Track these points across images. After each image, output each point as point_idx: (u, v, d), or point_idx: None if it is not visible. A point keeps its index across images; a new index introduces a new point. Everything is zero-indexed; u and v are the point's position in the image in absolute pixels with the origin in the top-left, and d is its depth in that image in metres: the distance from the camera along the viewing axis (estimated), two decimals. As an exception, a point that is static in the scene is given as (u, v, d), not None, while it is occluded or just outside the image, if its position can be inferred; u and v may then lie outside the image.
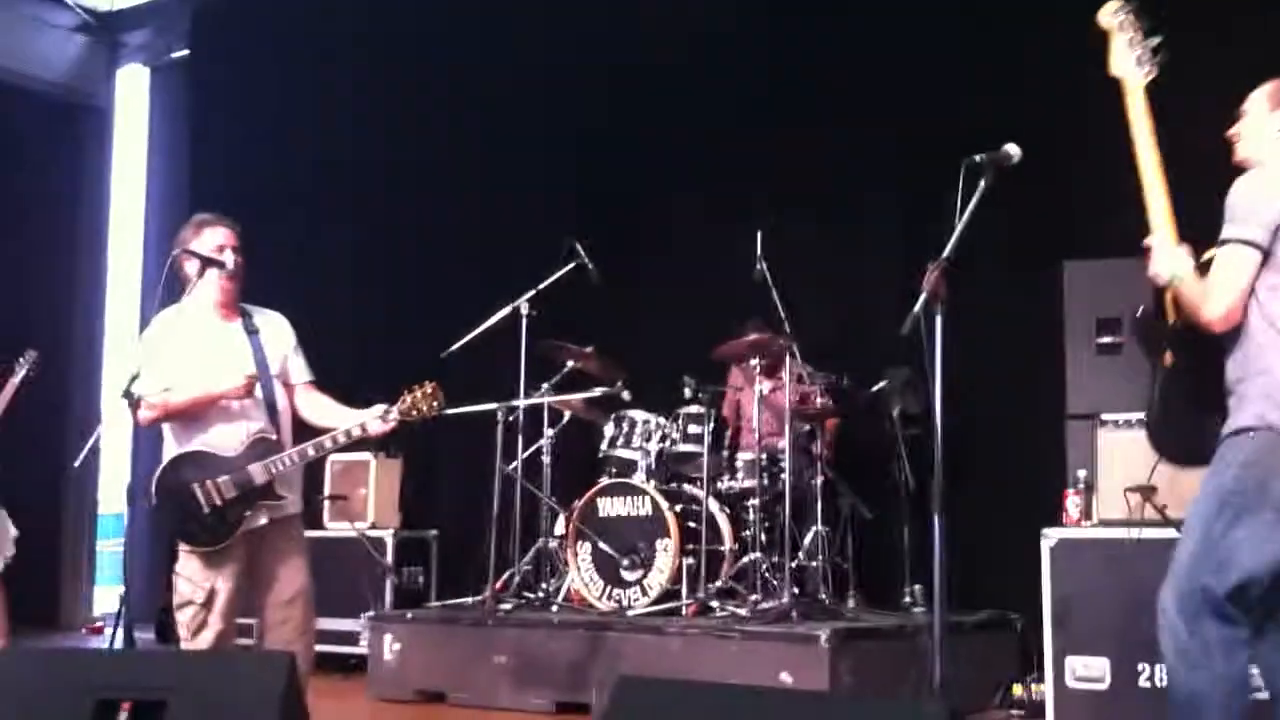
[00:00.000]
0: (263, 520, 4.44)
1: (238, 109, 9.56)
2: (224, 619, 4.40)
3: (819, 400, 6.27)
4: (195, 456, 4.43)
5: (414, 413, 4.40)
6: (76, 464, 4.53)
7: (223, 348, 4.53)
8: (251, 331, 4.59)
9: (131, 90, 10.93)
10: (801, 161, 7.18)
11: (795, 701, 3.05)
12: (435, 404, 4.41)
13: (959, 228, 3.51)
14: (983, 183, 3.55)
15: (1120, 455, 5.11)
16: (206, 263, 4.47)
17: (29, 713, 3.27)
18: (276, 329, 4.66)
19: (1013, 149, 3.62)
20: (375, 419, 4.41)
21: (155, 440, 4.61)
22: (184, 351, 4.46)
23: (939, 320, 3.40)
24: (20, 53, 10.13)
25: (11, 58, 10.02)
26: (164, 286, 4.50)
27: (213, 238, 4.51)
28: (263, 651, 4.31)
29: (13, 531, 6.71)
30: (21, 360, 6.46)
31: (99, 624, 10.10)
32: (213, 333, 4.54)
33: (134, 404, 4.25)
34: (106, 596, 10.68)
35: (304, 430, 4.60)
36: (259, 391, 4.48)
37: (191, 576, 4.42)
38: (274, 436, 4.45)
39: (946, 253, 3.48)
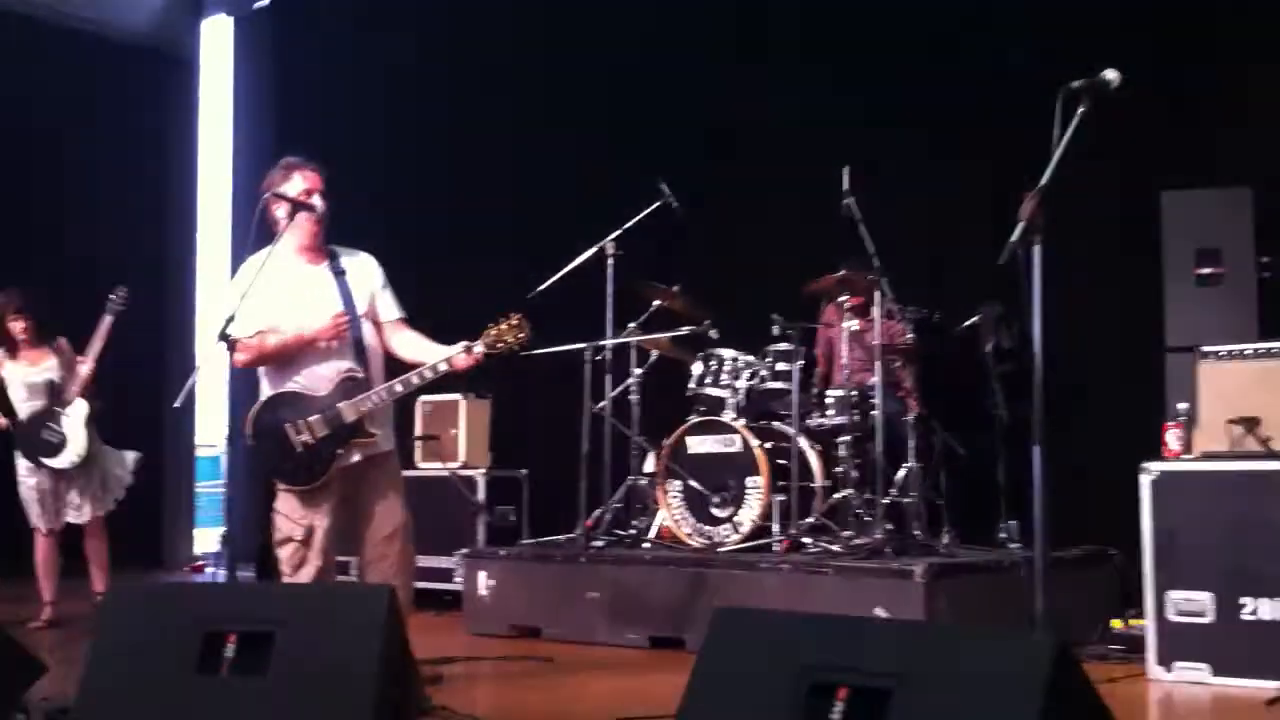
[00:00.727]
0: (356, 458, 4.52)
1: (320, 56, 9.61)
2: (323, 555, 4.50)
3: (909, 336, 6.20)
4: (287, 397, 4.52)
5: (499, 345, 4.41)
6: (176, 405, 4.58)
7: (311, 289, 4.59)
8: (338, 273, 4.65)
9: (216, 39, 11.02)
10: (888, 93, 7.07)
11: (898, 631, 3.04)
12: (521, 335, 4.42)
13: (1056, 156, 3.43)
14: (1080, 109, 3.47)
15: (1221, 387, 5.01)
16: (295, 206, 4.52)
17: (140, 645, 3.34)
18: (363, 269, 4.71)
19: (1111, 74, 3.54)
20: (460, 353, 4.44)
21: (251, 382, 4.69)
22: (274, 294, 4.52)
23: (1037, 250, 3.34)
24: (107, 5, 10.26)
25: (99, 10, 10.16)
26: (255, 230, 4.54)
27: (300, 181, 4.56)
28: (365, 585, 4.39)
29: (128, 479, 6.90)
30: (113, 297, 6.62)
31: (201, 563, 10.34)
32: (301, 275, 4.60)
33: (230, 346, 4.32)
34: (206, 537, 10.92)
35: (396, 367, 4.66)
36: (348, 331, 4.54)
37: (290, 514, 4.52)
38: (361, 375, 4.51)
39: (1044, 181, 3.40)
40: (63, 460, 6.66)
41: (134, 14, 10.53)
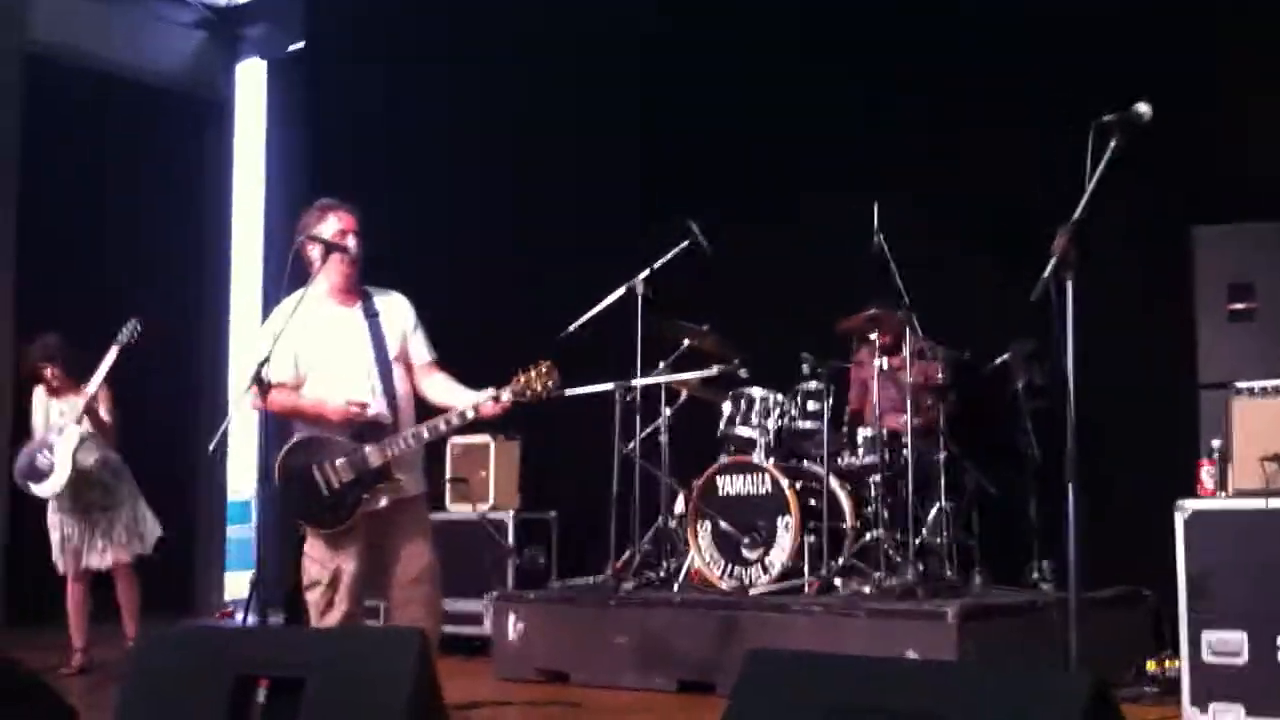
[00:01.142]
0: (383, 502, 4.54)
1: (353, 98, 9.69)
2: (350, 599, 4.52)
3: (940, 375, 6.17)
4: (314, 440, 4.56)
5: (528, 392, 4.42)
6: (211, 449, 4.63)
7: (343, 333, 4.63)
8: (371, 315, 4.68)
9: (250, 83, 11.15)
10: (919, 130, 7.07)
11: (930, 671, 3.00)
12: (550, 383, 4.42)
13: (1088, 190, 3.42)
14: (1113, 143, 3.46)
15: (1255, 423, 4.95)
16: (329, 248, 4.56)
17: (171, 689, 3.34)
18: (396, 310, 4.74)
19: (1143, 107, 3.53)
20: (488, 400, 4.45)
21: (283, 426, 4.71)
22: (307, 338, 4.57)
23: (1069, 286, 3.33)
24: (143, 49, 10.40)
25: (135, 54, 10.29)
26: (289, 272, 4.57)
27: (335, 222, 4.60)
28: (396, 628, 4.38)
29: (156, 531, 6.87)
30: (124, 329, 6.59)
31: (230, 609, 10.35)
32: (334, 318, 4.64)
33: (263, 390, 4.35)
34: (236, 581, 10.93)
35: (427, 410, 4.67)
36: (375, 378, 4.58)
37: (318, 558, 4.55)
38: (389, 421, 4.54)
39: (1076, 216, 3.40)
40: (48, 488, 6.60)
41: (170, 58, 10.67)
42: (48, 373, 6.81)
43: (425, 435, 4.52)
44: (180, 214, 10.54)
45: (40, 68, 9.40)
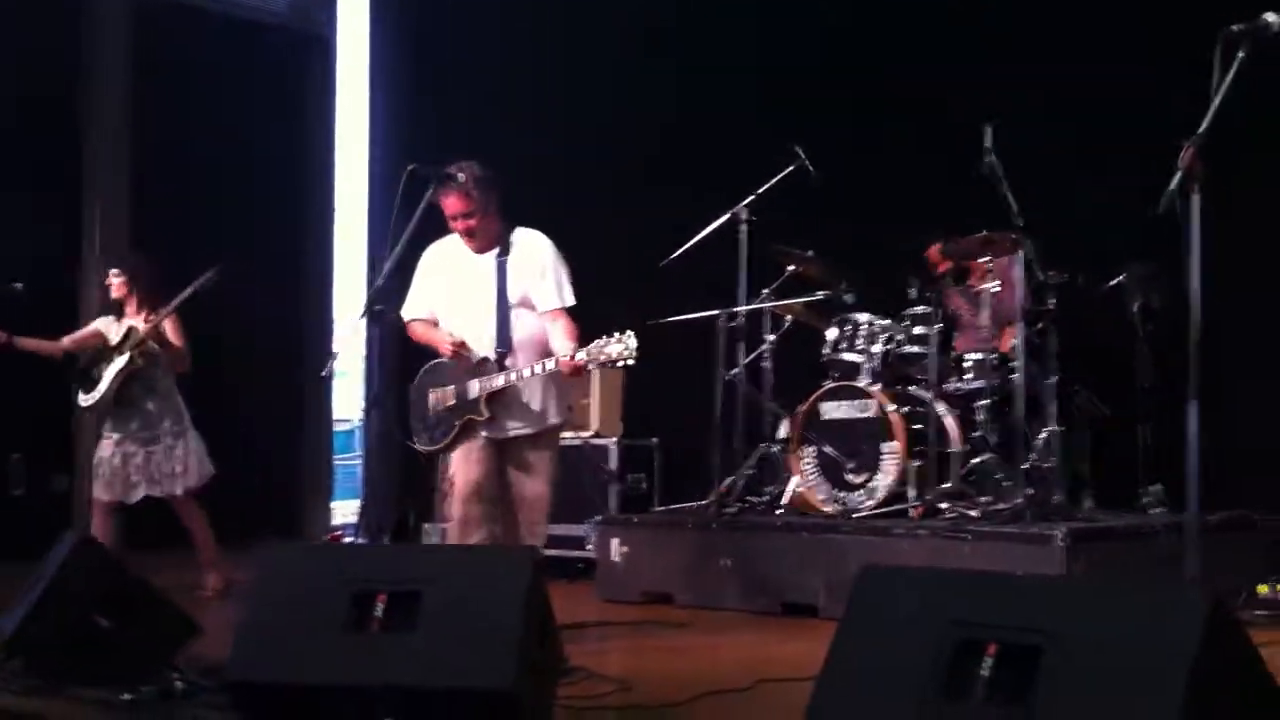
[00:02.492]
0: (481, 434, 4.86)
1: (456, 32, 9.68)
2: (460, 505, 4.87)
3: (1052, 298, 6.06)
4: (440, 367, 4.99)
5: (602, 357, 4.56)
6: (324, 373, 4.83)
7: (471, 279, 4.92)
8: (501, 258, 4.88)
9: (353, 18, 11.18)
10: (1030, 42, 6.89)
11: (1048, 587, 2.97)
12: (625, 353, 4.52)
13: (1215, 103, 3.31)
14: (1240, 54, 3.34)
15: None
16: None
17: (292, 603, 3.42)
18: (526, 255, 4.91)
19: (1272, 17, 3.40)
20: (566, 358, 4.64)
21: (388, 357, 4.92)
22: (440, 279, 5.00)
23: (1195, 202, 3.24)
24: (248, -13, 10.49)
25: (238, -8, 10.39)
26: (397, 206, 4.68)
27: (446, 206, 4.84)
28: (509, 546, 4.50)
29: (205, 467, 6.55)
30: (204, 276, 6.42)
31: (339, 533, 10.55)
32: (465, 262, 4.95)
33: (373, 321, 4.63)
34: (340, 509, 11.13)
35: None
36: (492, 321, 4.84)
37: (444, 469, 5.04)
38: (492, 358, 4.82)
39: (1202, 130, 3.29)
40: (87, 399, 6.47)
41: (274, -4, 10.75)
42: (113, 285, 6.57)
43: (513, 379, 4.79)
44: (286, 147, 10.64)
45: (148, 7, 9.51)
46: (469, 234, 4.86)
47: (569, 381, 5.01)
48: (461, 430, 4.89)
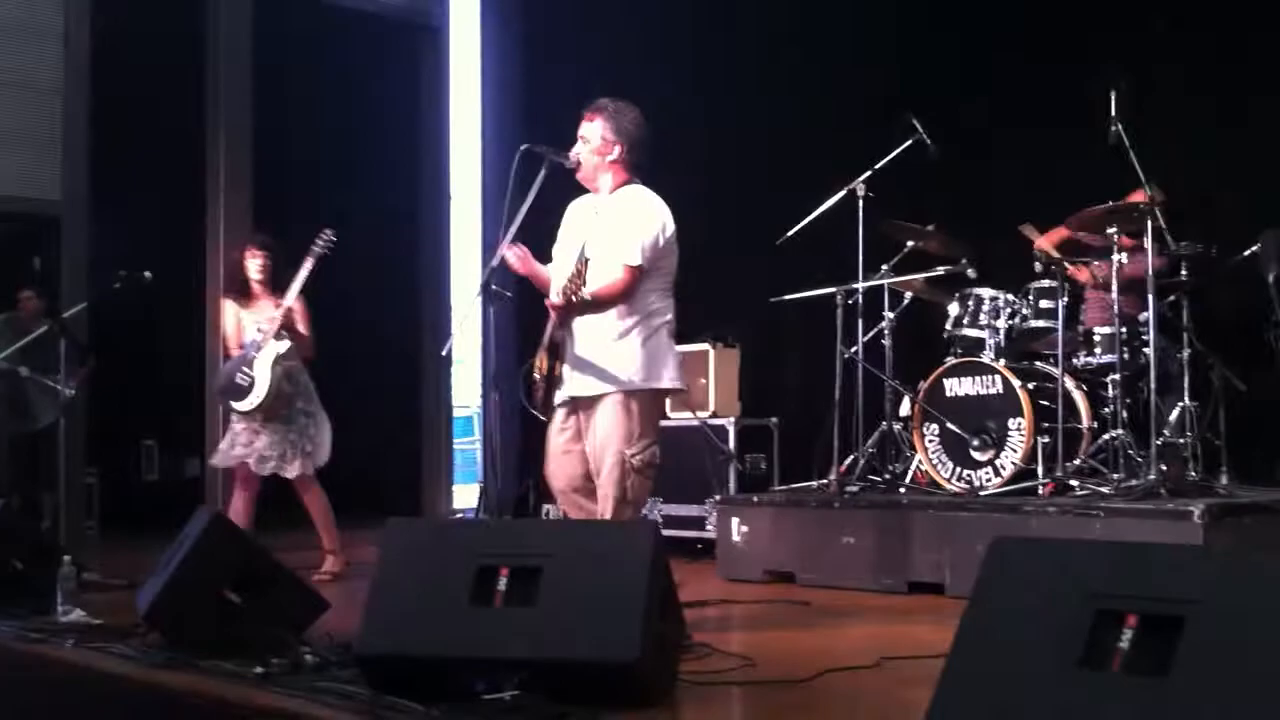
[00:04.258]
0: (559, 395, 4.73)
1: (567, 20, 9.70)
2: (554, 477, 4.82)
3: (1184, 269, 5.88)
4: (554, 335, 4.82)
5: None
6: (443, 352, 4.82)
7: (572, 230, 4.85)
8: (599, 213, 4.78)
9: (464, 8, 11.28)
10: (1158, 6, 6.69)
11: (1192, 557, 2.86)
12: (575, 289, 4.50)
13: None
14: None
15: None
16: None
17: (418, 578, 3.45)
18: (616, 211, 4.75)
19: None
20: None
21: (504, 340, 4.89)
22: (560, 233, 4.93)
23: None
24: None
25: (357, -13, 10.55)
26: (513, 184, 4.66)
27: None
28: (633, 521, 4.45)
29: (328, 448, 6.61)
30: (320, 239, 6.42)
31: (460, 516, 10.66)
32: (574, 215, 4.90)
33: (488, 299, 4.62)
34: (460, 493, 11.26)
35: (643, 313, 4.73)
36: (569, 269, 4.64)
37: None
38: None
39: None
40: (248, 403, 6.40)
41: (388, -13, 10.90)
42: (256, 263, 6.60)
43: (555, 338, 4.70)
44: (400, 135, 10.81)
45: (268, 2, 9.70)
46: (578, 165, 4.73)
47: (656, 344, 4.68)
48: (546, 390, 4.74)
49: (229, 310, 6.68)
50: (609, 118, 4.70)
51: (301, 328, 6.52)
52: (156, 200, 9.40)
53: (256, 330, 6.48)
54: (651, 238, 4.64)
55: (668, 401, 7.85)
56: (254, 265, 6.61)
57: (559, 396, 4.73)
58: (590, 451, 4.70)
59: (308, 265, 6.40)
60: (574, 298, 4.51)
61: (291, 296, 6.40)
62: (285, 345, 6.42)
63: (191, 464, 9.79)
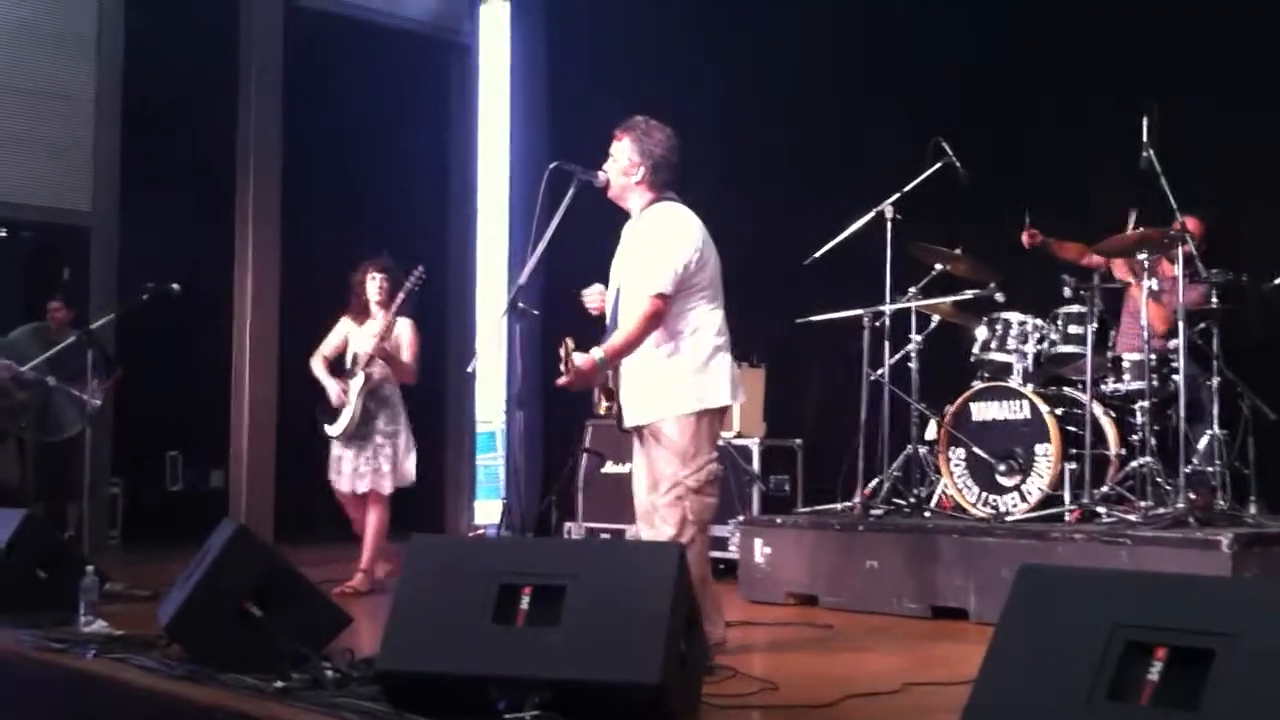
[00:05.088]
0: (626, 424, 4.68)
1: (596, 38, 9.73)
2: (635, 500, 4.75)
3: (1214, 296, 5.83)
4: None
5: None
6: (469, 369, 4.80)
7: (618, 259, 4.74)
8: (631, 230, 4.73)
9: (493, 25, 11.33)
10: (1189, 29, 6.65)
11: (1222, 588, 2.83)
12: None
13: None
14: None
15: None
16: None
17: (441, 595, 3.44)
18: (638, 234, 4.68)
19: None
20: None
21: (528, 356, 4.84)
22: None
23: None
24: (395, -2, 10.70)
25: (387, 2, 10.58)
26: (541, 202, 4.65)
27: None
28: (656, 542, 4.42)
29: (410, 470, 6.75)
30: (412, 277, 6.61)
31: (482, 531, 10.65)
32: (623, 240, 4.76)
33: (515, 315, 4.57)
34: (483, 509, 11.25)
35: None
36: (613, 295, 4.65)
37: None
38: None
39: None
40: (336, 428, 6.59)
41: (418, 3, 10.93)
42: (376, 285, 6.68)
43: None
44: (430, 150, 10.85)
45: (300, 17, 9.75)
46: (607, 184, 4.65)
47: (705, 361, 4.53)
48: (618, 422, 4.74)
49: (341, 328, 6.82)
50: (636, 138, 4.63)
51: (406, 355, 6.68)
52: (186, 212, 9.43)
53: (353, 356, 6.66)
54: (677, 261, 4.49)
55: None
56: (373, 286, 6.74)
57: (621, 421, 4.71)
58: (653, 478, 4.64)
59: (398, 300, 6.59)
60: (580, 370, 4.43)
61: (381, 331, 6.55)
62: (377, 372, 6.58)
63: (215, 475, 9.82)
